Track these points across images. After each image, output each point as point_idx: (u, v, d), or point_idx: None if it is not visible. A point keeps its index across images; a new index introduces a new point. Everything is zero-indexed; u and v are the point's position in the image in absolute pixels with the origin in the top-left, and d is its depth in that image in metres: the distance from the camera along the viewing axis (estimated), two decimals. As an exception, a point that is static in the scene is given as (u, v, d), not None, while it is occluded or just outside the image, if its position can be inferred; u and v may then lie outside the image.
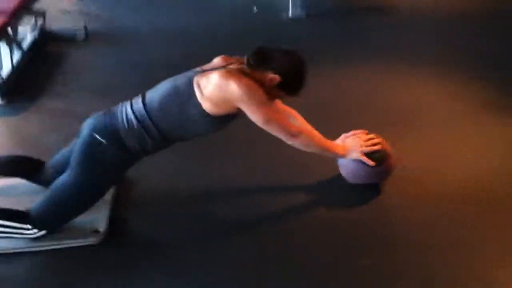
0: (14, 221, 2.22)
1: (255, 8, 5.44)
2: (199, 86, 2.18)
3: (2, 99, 3.63)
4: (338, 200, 2.57)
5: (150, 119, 2.21)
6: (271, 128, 2.23)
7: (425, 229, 2.36)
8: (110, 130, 2.23)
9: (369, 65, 4.10)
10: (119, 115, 2.25)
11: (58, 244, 2.25)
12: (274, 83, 2.22)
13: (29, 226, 2.22)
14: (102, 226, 2.32)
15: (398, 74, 3.93)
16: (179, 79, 2.26)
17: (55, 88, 3.88)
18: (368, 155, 2.47)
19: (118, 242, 2.31)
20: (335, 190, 2.62)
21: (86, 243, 2.26)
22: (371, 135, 2.56)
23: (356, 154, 2.47)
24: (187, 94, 2.19)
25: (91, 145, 2.23)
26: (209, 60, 2.38)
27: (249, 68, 2.21)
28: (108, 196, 2.44)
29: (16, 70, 3.95)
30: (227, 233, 2.37)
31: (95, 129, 2.24)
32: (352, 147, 2.48)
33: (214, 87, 2.14)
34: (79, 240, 2.26)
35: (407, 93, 3.65)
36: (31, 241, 2.24)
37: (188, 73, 2.26)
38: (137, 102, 2.27)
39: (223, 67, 2.24)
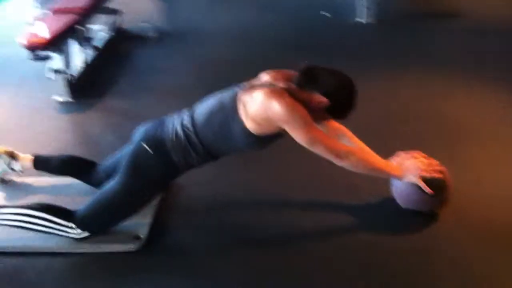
0: (61, 218, 2.30)
1: (323, 12, 5.37)
2: (242, 103, 2.13)
3: (72, 96, 3.78)
4: (383, 224, 2.44)
5: (196, 133, 2.21)
6: (316, 149, 2.14)
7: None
8: (158, 141, 2.24)
9: (430, 73, 3.96)
10: (168, 127, 2.27)
11: (99, 248, 2.30)
12: (321, 106, 2.13)
13: (74, 225, 2.29)
14: (143, 232, 2.36)
15: (460, 84, 3.78)
16: (224, 95, 2.23)
17: (123, 88, 4.01)
18: (426, 181, 2.32)
19: (156, 248, 2.33)
20: (382, 213, 2.50)
21: (127, 249, 2.30)
22: (434, 161, 2.40)
23: (413, 178, 2.32)
24: (231, 111, 2.15)
25: (139, 154, 2.26)
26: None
27: (296, 87, 2.13)
28: (153, 202, 2.47)
29: (88, 68, 4.10)
30: (259, 244, 2.36)
31: (144, 139, 2.27)
32: (410, 169, 2.34)
33: (257, 106, 2.08)
34: (120, 246, 2.31)
35: (466, 106, 3.50)
36: (74, 242, 2.31)
37: (234, 89, 2.22)
38: (185, 116, 2.28)
39: (269, 84, 2.16)
